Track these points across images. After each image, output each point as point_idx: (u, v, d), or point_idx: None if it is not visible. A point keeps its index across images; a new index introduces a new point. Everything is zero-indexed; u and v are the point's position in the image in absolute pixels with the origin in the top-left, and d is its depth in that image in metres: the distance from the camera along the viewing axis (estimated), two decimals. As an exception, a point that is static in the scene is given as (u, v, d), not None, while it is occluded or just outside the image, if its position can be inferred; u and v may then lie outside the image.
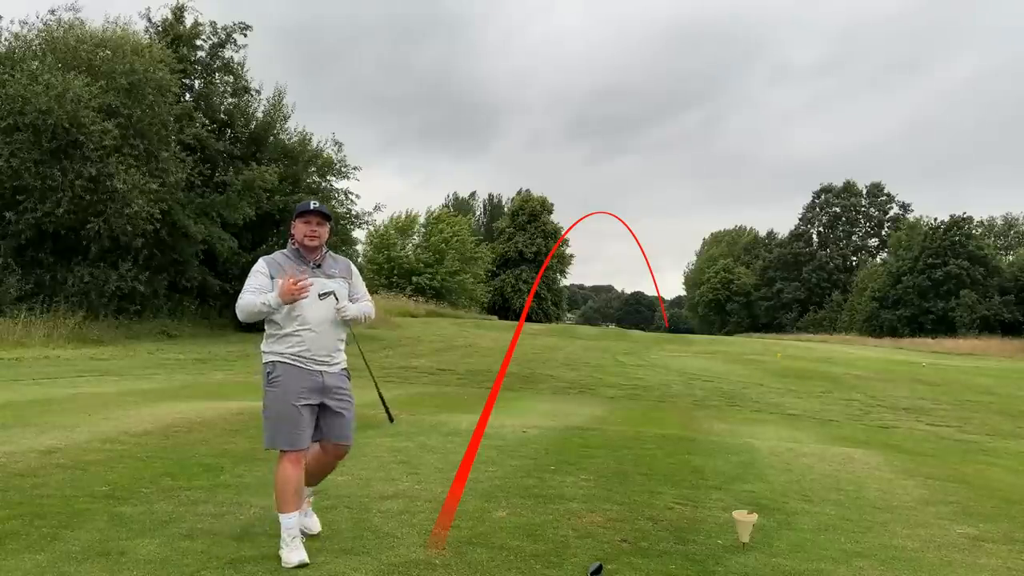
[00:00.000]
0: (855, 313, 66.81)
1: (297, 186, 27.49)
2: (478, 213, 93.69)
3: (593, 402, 13.28)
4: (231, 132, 27.39)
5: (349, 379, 3.96)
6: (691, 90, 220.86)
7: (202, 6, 31.07)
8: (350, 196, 30.03)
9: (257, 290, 3.72)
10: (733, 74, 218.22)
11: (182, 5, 26.47)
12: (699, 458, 6.98)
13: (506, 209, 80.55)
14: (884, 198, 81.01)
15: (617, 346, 29.17)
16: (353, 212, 29.97)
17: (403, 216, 50.52)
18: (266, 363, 3.79)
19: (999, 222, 77.14)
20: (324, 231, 3.85)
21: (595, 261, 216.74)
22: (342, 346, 3.95)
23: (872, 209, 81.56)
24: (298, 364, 3.73)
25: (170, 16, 26.41)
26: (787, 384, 17.82)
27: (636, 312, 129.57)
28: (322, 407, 3.79)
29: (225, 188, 24.85)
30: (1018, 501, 6.08)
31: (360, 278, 4.10)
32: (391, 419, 4.38)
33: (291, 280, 3.62)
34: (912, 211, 78.49)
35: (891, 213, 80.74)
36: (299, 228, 3.84)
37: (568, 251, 71.02)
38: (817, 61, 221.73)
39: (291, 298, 3.63)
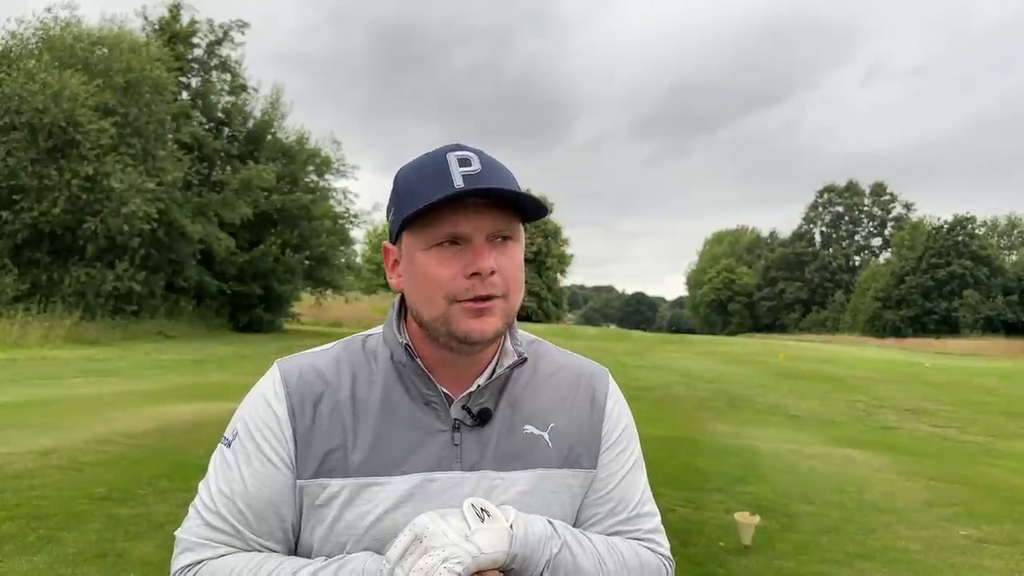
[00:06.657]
0: (858, 313, 66.77)
1: (295, 185, 27.48)
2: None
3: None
4: (228, 131, 27.39)
5: None
6: (760, 89, 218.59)
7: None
8: (348, 195, 30.09)
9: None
10: (810, 73, 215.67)
11: (178, 3, 26.45)
12: (701, 459, 6.93)
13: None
14: (887, 197, 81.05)
15: (618, 347, 29.14)
16: (351, 211, 30.02)
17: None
18: None
19: (1002, 222, 77.21)
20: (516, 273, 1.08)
21: (621, 262, 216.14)
22: None
23: (875, 209, 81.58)
24: None
25: (166, 14, 26.39)
26: (790, 385, 17.78)
27: (637, 312, 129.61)
28: None
29: (222, 187, 24.81)
30: (1021, 503, 6.04)
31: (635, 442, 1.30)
32: None
33: None
34: (915, 210, 78.69)
35: (894, 213, 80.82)
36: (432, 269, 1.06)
37: (568, 251, 71.17)
38: (906, 63, 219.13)
39: None
